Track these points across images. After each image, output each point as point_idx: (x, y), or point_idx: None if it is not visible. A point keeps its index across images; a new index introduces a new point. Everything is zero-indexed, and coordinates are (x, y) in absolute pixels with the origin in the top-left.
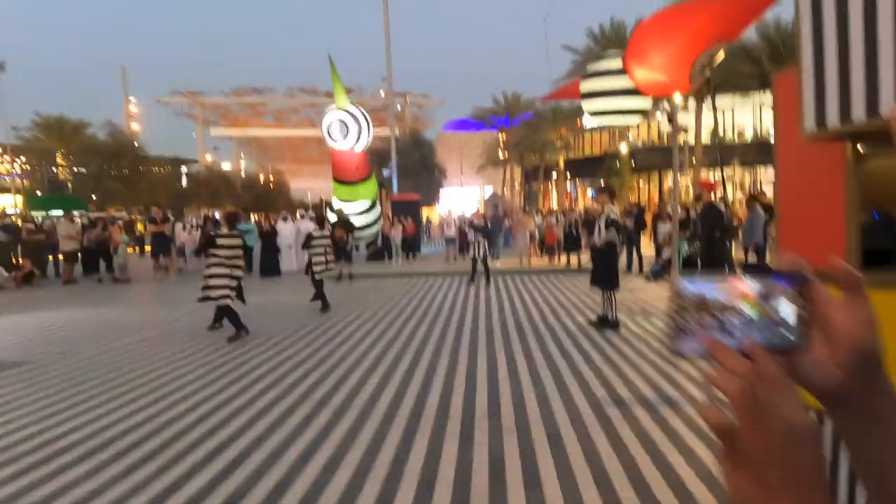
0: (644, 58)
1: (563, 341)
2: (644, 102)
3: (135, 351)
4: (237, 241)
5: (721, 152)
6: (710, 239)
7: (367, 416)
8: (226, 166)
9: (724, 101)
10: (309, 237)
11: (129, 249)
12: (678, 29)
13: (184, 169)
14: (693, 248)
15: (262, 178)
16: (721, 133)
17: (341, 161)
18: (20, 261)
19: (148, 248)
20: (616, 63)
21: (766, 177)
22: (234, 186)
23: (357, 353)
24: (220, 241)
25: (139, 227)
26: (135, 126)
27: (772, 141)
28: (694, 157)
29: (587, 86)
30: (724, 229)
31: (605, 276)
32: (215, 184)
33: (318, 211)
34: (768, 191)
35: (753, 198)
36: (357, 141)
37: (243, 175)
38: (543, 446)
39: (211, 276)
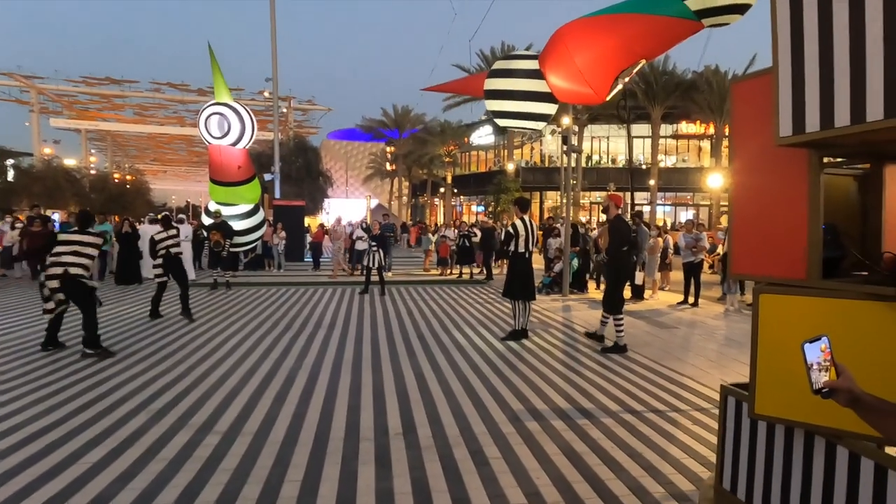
0: (565, 63)
1: (469, 353)
2: (551, 108)
3: None
4: (96, 241)
5: (597, 175)
6: (617, 252)
7: (263, 441)
8: (70, 162)
9: (601, 129)
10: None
11: None
12: (607, 40)
13: (10, 162)
14: (599, 259)
15: (116, 176)
16: (597, 158)
17: (221, 160)
18: None
19: None
20: (527, 64)
21: (634, 199)
22: (80, 184)
23: (242, 371)
24: (67, 238)
25: None
26: None
27: (642, 167)
28: (574, 179)
29: (493, 84)
30: (632, 243)
31: (521, 286)
32: (55, 179)
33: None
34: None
35: (637, 215)
36: (240, 138)
37: (93, 172)
38: (468, 465)
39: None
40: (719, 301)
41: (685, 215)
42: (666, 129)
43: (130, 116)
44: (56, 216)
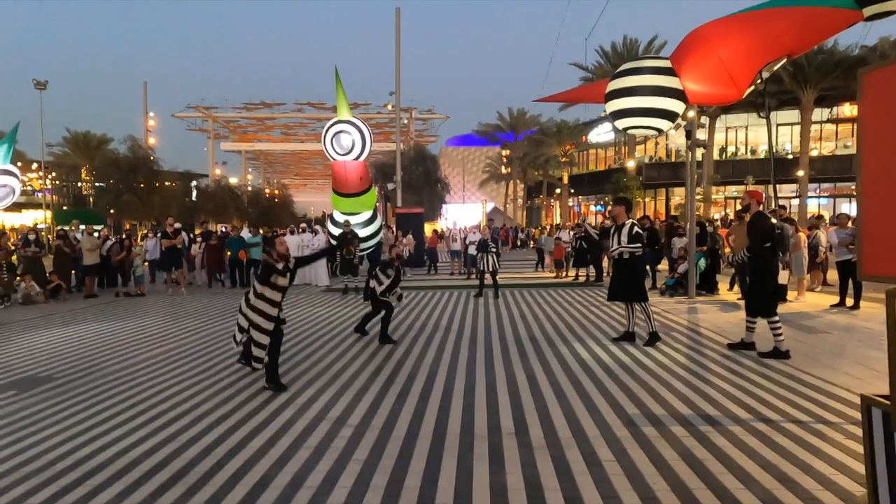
0: (707, 61)
1: (582, 355)
2: (679, 106)
3: (155, 365)
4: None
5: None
6: (759, 250)
7: (388, 435)
8: (233, 180)
9: (737, 119)
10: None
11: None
12: (755, 34)
13: (194, 183)
14: (738, 259)
15: (267, 192)
16: (733, 149)
17: (343, 173)
18: (49, 275)
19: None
20: (656, 62)
21: (780, 192)
22: (240, 200)
23: (368, 371)
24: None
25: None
26: (152, 140)
27: (788, 157)
28: (704, 174)
29: (618, 84)
30: (776, 240)
31: (633, 288)
32: (222, 197)
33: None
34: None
35: (773, 212)
36: (361, 153)
37: (250, 189)
38: (580, 466)
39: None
40: None
41: (846, 207)
42: (820, 113)
43: (278, 136)
44: (225, 230)
